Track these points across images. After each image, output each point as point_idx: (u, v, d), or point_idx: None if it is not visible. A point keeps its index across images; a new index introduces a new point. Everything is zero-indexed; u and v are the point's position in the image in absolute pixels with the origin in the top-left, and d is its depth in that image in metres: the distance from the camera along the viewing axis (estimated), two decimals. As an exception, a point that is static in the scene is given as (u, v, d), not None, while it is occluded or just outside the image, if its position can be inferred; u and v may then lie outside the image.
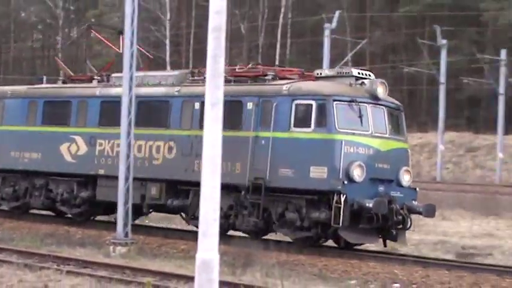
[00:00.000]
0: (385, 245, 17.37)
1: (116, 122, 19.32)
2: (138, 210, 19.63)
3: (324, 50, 37.28)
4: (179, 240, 18.62)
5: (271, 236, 18.41)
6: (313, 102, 16.87)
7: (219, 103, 7.27)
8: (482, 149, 44.84)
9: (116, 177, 18.50)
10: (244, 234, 18.46)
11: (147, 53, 25.03)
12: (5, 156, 21.96)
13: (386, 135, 17.23)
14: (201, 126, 18.04)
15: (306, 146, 16.80)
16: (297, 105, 17.08)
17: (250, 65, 19.54)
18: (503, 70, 41.41)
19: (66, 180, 20.85)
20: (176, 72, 20.05)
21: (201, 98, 18.17)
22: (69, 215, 21.38)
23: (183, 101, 18.87)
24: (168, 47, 53.44)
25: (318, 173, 16.55)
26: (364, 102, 16.98)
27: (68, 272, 13.76)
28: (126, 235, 16.63)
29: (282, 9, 55.45)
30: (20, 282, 12.61)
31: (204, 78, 18.67)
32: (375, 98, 17.13)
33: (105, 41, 24.18)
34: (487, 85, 44.96)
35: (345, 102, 16.83)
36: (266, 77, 18.17)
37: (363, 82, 17.31)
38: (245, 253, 15.82)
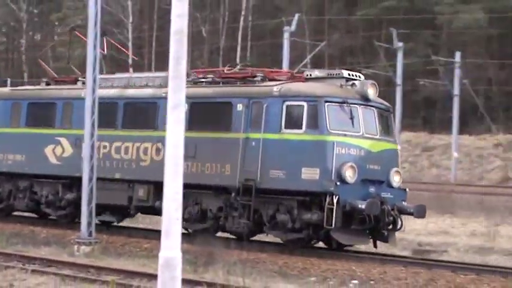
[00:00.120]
0: (375, 246, 17.32)
1: (102, 124, 19.30)
2: (124, 212, 19.68)
3: (283, 52, 37.59)
4: (142, 239, 18.70)
5: (260, 237, 18.43)
6: (305, 104, 16.79)
7: (181, 105, 7.29)
8: (438, 149, 45.39)
9: (103, 179, 18.54)
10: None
11: (128, 53, 24.88)
12: None
13: (377, 137, 17.22)
14: (189, 128, 17.86)
15: (298, 147, 16.69)
16: (288, 106, 16.98)
17: (238, 66, 19.46)
18: (457, 72, 42.06)
19: (51, 182, 20.65)
20: (163, 74, 19.77)
21: (189, 99, 18.26)
22: (54, 217, 21.18)
23: None
24: (130, 50, 53.40)
25: (309, 174, 16.46)
26: (355, 104, 16.96)
27: (33, 271, 13.85)
28: (90, 234, 16.73)
29: (243, 12, 55.78)
30: (-14, 282, 12.64)
31: (192, 80, 18.78)
32: (365, 99, 17.12)
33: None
34: (442, 86, 45.64)
35: (337, 104, 16.77)
36: (255, 79, 18.06)
37: (353, 83, 17.26)
38: (207, 251, 15.92)
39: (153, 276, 12.13)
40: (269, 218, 17.23)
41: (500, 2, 49.64)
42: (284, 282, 13.89)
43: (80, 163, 19.62)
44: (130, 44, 55.19)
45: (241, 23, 55.47)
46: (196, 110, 18.22)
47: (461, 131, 43.79)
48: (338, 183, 16.26)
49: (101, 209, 19.62)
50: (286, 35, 37.87)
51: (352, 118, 16.82)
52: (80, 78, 21.37)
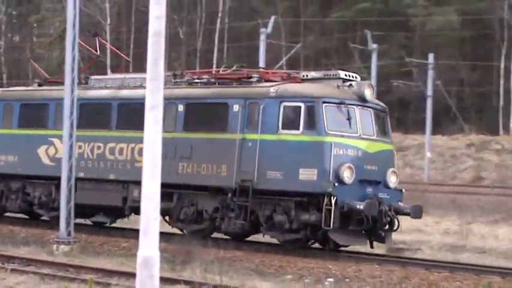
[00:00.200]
0: (371, 247, 17.25)
1: (96, 125, 19.09)
2: (118, 213, 19.60)
3: (259, 54, 37.82)
4: (121, 238, 18.75)
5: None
6: (302, 104, 16.70)
7: (159, 106, 7.34)
8: (412, 149, 45.71)
9: (97, 180, 18.51)
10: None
11: (124, 55, 24.82)
12: None
13: (374, 137, 17.17)
14: (185, 129, 18.04)
15: (295, 148, 16.61)
16: (285, 107, 16.90)
17: (234, 67, 19.35)
18: (430, 73, 42.46)
19: (43, 183, 20.52)
20: None
21: (185, 100, 18.17)
22: (47, 218, 21.07)
23: (166, 104, 18.48)
24: (108, 51, 53.39)
25: (307, 175, 16.37)
26: (352, 104, 16.89)
27: (13, 270, 13.92)
28: (69, 234, 16.81)
29: (219, 14, 56.01)
30: (-35, 281, 12.67)
31: (187, 80, 18.74)
32: (362, 100, 17.05)
33: (83, 44, 24.09)
34: (416, 88, 46.04)
35: (334, 104, 16.70)
36: (251, 79, 17.97)
37: (350, 84, 17.18)
38: (185, 250, 16.01)
39: (131, 275, 12.21)
40: (266, 218, 17.14)
41: (473, 4, 50.25)
42: (260, 280, 13.98)
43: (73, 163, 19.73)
44: (108, 46, 55.11)
45: (218, 25, 55.67)
46: (192, 110, 18.14)
47: (435, 131, 44.23)
48: (336, 184, 16.16)
49: (94, 210, 19.69)
50: (262, 37, 38.08)
51: (349, 119, 16.77)
52: None
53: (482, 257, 18.85)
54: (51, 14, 60.86)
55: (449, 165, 41.50)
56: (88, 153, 19.64)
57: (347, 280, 14.34)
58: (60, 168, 19.16)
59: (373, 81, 42.11)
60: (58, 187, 19.73)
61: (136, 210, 19.32)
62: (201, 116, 18.14)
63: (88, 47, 22.58)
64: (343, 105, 16.77)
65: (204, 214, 18.08)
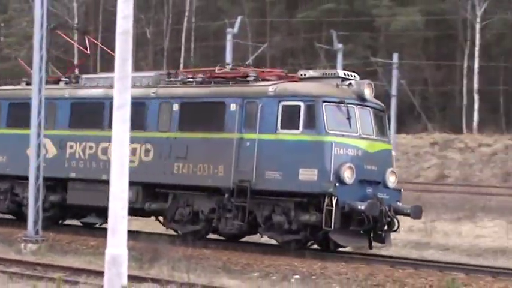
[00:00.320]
0: (370, 247, 17.13)
1: (88, 124, 18.83)
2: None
3: (226, 54, 37.95)
4: (89, 237, 18.74)
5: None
6: (302, 104, 16.49)
7: (127, 104, 7.46)
8: (377, 148, 46.03)
9: (89, 181, 18.29)
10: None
11: (110, 51, 24.59)
12: None
13: (373, 137, 17.05)
14: (180, 129, 17.83)
15: (294, 148, 16.39)
16: (283, 106, 16.68)
17: (230, 66, 19.17)
18: (395, 73, 42.81)
19: None
20: (152, 74, 19.53)
21: (180, 99, 17.96)
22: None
23: (160, 103, 18.26)
24: (76, 51, 53.12)
25: (307, 175, 16.17)
26: (352, 104, 16.73)
27: (-20, 269, 13.83)
28: (37, 233, 16.80)
29: (186, 14, 56.02)
30: None
31: (181, 79, 18.59)
32: (361, 99, 16.90)
33: (73, 42, 23.89)
34: (381, 87, 46.33)
35: (334, 104, 16.52)
36: (248, 78, 17.71)
37: (350, 83, 17.02)
38: (152, 248, 16.06)
39: (99, 273, 12.22)
40: (264, 219, 16.96)
41: (437, 5, 50.79)
42: (228, 277, 14.08)
43: (65, 164, 19.31)
44: (75, 45, 54.88)
45: (185, 24, 55.64)
46: (187, 110, 17.96)
47: (399, 130, 44.61)
48: (337, 184, 15.99)
49: (86, 210, 19.46)
50: (229, 37, 38.19)
51: (349, 118, 16.60)
52: (62, 79, 20.99)
53: (446, 254, 19.15)
54: (18, 13, 60.40)
55: (414, 163, 41.92)
56: (80, 153, 19.39)
57: (313, 277, 14.44)
58: (50, 169, 19.06)
59: (339, 80, 42.48)
60: (48, 188, 19.70)
61: (131, 212, 19.18)
62: (197, 115, 17.91)
63: (70, 39, 22.29)
64: (343, 105, 16.61)
65: (200, 215, 17.89)
